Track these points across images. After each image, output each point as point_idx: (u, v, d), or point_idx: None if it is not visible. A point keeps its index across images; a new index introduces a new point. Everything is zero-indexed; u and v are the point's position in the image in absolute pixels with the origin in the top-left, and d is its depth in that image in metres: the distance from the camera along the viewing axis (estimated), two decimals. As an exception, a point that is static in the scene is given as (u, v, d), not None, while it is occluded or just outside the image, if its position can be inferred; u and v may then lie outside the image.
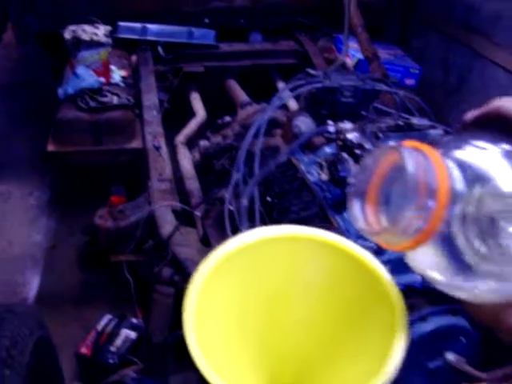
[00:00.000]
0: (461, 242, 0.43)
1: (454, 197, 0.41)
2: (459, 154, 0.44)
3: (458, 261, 0.44)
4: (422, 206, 0.41)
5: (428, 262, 0.48)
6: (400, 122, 1.55)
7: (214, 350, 0.52)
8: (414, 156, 0.42)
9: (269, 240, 0.59)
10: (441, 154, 0.43)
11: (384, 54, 2.96)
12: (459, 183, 0.42)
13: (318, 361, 0.63)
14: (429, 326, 1.29)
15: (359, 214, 0.48)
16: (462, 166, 0.42)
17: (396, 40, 3.42)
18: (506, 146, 0.43)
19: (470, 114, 0.47)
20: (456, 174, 0.42)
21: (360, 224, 0.49)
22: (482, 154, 0.43)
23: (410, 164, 0.41)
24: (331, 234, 0.61)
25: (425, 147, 0.43)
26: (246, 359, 0.63)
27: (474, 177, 0.42)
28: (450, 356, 1.27)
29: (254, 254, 0.59)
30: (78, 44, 2.46)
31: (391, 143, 0.76)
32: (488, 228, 0.41)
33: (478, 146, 0.43)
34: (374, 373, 0.52)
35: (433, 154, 0.42)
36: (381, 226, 0.45)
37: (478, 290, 0.45)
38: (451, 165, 0.43)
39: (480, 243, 0.42)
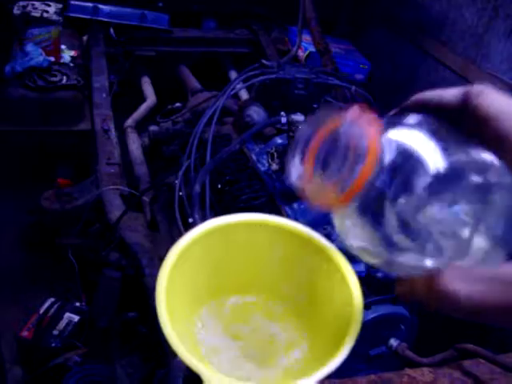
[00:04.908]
0: (385, 217, 0.47)
1: (381, 166, 0.45)
2: (393, 133, 0.48)
3: (382, 233, 0.48)
4: (351, 165, 0.45)
5: (357, 235, 0.51)
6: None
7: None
8: (353, 122, 0.46)
9: (233, 225, 0.62)
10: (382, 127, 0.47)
11: (335, 48, 3.00)
12: (388, 157, 0.45)
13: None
14: (371, 313, 1.33)
15: (298, 165, 0.51)
16: (396, 146, 0.46)
17: (347, 35, 3.47)
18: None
19: (403, 104, 0.51)
20: (388, 149, 0.46)
21: (294, 173, 0.52)
22: (411, 133, 0.46)
23: (347, 128, 0.45)
24: (290, 221, 0.64)
25: (367, 117, 0.46)
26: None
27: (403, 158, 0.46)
28: (393, 342, 1.32)
29: (219, 238, 0.61)
30: (28, 21, 2.40)
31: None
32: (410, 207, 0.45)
33: (407, 125, 0.47)
34: (329, 353, 0.55)
35: (372, 123, 0.46)
36: (314, 176, 0.48)
37: (399, 262, 0.49)
38: (388, 141, 0.46)
39: (399, 223, 0.46)
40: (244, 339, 0.63)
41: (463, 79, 2.78)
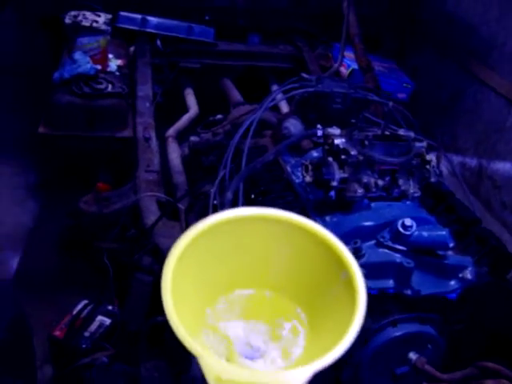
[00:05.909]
0: None
1: None
2: None
3: None
4: None
5: None
6: (387, 132, 1.58)
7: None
8: None
9: (244, 219, 0.62)
10: None
11: (379, 66, 3.00)
12: None
13: None
14: (398, 331, 1.31)
15: None
16: None
17: (392, 54, 3.46)
18: None
19: None
20: None
21: None
22: None
23: None
24: (305, 219, 0.64)
25: None
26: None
27: None
28: (412, 356, 1.30)
29: (228, 231, 0.62)
30: (78, 30, 2.47)
31: None
32: None
33: None
34: (329, 345, 0.55)
35: None
36: None
37: None
38: None
39: None
40: (248, 332, 0.63)
41: (509, 103, 2.73)
